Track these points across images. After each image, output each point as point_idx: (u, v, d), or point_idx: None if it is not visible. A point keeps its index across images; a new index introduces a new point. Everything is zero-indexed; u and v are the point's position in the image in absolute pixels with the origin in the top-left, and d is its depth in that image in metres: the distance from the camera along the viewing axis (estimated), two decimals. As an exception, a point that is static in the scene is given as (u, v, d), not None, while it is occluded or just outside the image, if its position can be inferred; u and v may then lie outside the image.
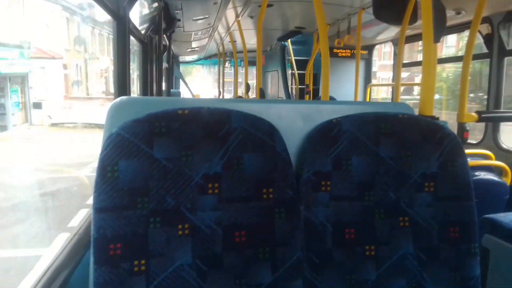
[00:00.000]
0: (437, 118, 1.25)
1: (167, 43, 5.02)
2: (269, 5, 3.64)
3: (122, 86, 1.73)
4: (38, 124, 17.31)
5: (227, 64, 9.62)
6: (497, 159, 2.60)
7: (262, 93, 4.04)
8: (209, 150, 0.96)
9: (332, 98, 5.34)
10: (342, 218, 1.05)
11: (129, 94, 1.80)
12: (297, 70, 6.37)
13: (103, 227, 0.89)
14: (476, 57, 3.50)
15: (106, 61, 26.51)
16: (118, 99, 1.03)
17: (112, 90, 26.46)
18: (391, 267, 1.06)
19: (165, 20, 3.59)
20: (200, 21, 4.42)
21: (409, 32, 3.89)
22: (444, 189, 1.09)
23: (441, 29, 1.25)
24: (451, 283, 1.07)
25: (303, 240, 1.02)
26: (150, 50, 3.15)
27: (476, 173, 2.36)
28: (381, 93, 9.27)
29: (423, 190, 1.09)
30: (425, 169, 1.09)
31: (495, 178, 2.34)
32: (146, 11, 3.12)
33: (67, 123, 17.31)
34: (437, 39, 1.25)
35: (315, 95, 6.05)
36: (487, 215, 1.78)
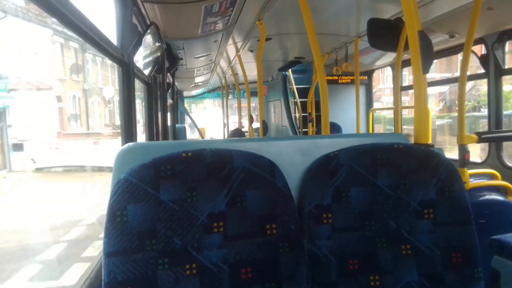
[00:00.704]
0: (432, 146, 1.29)
1: (171, 80, 5.16)
2: (267, 39, 3.76)
3: (128, 131, 1.80)
4: (20, 169, 14.84)
5: (230, 96, 9.78)
6: (502, 177, 2.60)
7: (265, 125, 4.11)
8: (212, 190, 1.00)
9: (334, 125, 5.40)
10: (345, 249, 1.08)
11: (136, 139, 1.86)
12: (299, 98, 6.47)
13: (113, 271, 0.92)
14: (473, 77, 3.55)
15: (110, 91, 24.31)
16: (126, 145, 1.08)
17: (117, 122, 24.21)
18: None
19: (168, 59, 3.72)
20: (202, 58, 4.56)
21: (406, 56, 3.98)
22: (443, 215, 1.12)
23: (429, 60, 1.31)
24: None
25: (308, 273, 1.04)
26: (154, 89, 3.26)
27: (482, 194, 2.37)
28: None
29: (423, 217, 1.11)
30: (423, 196, 1.12)
31: (502, 198, 2.33)
32: (148, 51, 3.25)
33: (55, 167, 15.07)
34: (426, 70, 1.30)
35: (318, 122, 6.12)
36: (495, 236, 1.77)
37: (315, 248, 1.06)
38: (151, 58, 2.95)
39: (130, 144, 1.09)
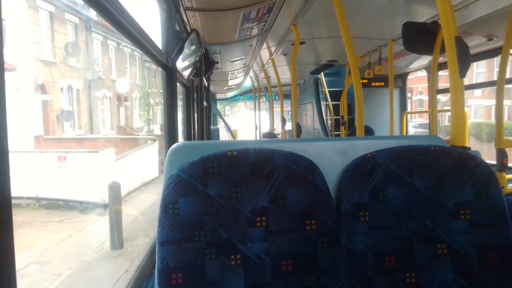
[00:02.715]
0: (469, 148, 1.31)
1: (206, 83, 5.31)
2: (301, 43, 3.82)
3: (172, 132, 1.92)
4: None
5: (262, 99, 9.88)
6: None
7: (299, 128, 4.16)
8: (256, 187, 1.08)
9: (368, 128, 5.37)
10: (382, 246, 1.12)
11: (177, 139, 1.97)
12: (331, 101, 6.47)
13: (166, 259, 1.01)
14: None
15: (125, 85, 19.86)
16: (175, 144, 1.18)
17: (135, 124, 21.34)
18: None
19: (205, 63, 3.85)
20: (236, 62, 4.67)
21: (442, 59, 3.93)
22: (479, 217, 1.14)
23: (466, 64, 1.33)
24: None
25: (346, 268, 1.10)
26: (192, 92, 3.39)
27: None
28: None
29: (459, 218, 1.14)
30: (459, 198, 1.15)
31: None
32: (187, 55, 3.38)
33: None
34: (462, 74, 1.33)
35: (351, 125, 6.10)
36: None
37: (352, 245, 1.12)
38: (189, 62, 3.08)
39: (179, 143, 1.18)
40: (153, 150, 15.44)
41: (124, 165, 12.42)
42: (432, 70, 3.19)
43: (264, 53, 4.75)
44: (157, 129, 22.23)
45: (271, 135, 7.29)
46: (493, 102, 2.80)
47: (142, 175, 13.63)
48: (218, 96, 11.34)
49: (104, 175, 10.59)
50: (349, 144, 1.24)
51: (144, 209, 10.95)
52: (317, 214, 1.09)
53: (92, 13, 16.22)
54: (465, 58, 1.32)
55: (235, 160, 1.08)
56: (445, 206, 1.15)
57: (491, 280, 1.11)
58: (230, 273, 1.03)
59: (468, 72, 1.36)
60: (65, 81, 15.54)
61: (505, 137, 2.31)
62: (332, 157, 1.22)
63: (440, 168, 1.16)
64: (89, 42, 17.44)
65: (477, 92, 18.41)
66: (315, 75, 6.64)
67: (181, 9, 2.30)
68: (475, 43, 3.43)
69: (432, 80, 3.22)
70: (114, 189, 8.28)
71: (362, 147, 1.23)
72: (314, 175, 1.11)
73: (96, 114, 17.82)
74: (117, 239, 7.89)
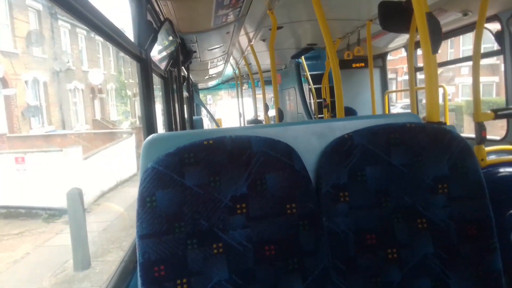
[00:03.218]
0: (444, 123, 1.32)
1: (186, 73, 5.24)
2: (279, 27, 3.79)
3: (150, 124, 1.89)
4: None
5: (244, 86, 9.82)
6: None
7: (281, 113, 4.15)
8: (234, 174, 1.07)
9: (350, 109, 5.40)
10: (362, 225, 1.13)
11: (156, 130, 1.95)
12: (314, 84, 6.47)
13: (147, 252, 1.00)
14: (488, 54, 3.51)
15: (98, 75, 18.43)
16: (150, 136, 1.16)
17: (113, 117, 20.48)
18: (414, 268, 1.13)
19: (182, 53, 3.79)
20: (215, 50, 4.62)
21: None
22: (457, 190, 1.16)
23: (438, 40, 1.34)
24: (474, 278, 1.12)
25: (328, 249, 1.11)
26: (170, 83, 3.34)
27: (502, 170, 2.37)
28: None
29: (438, 192, 1.16)
30: (436, 172, 1.16)
31: None
32: (162, 46, 3.33)
33: None
34: (435, 50, 1.33)
35: (334, 107, 6.12)
36: None
37: (333, 225, 1.12)
38: (166, 52, 3.03)
39: (155, 135, 1.17)
40: (130, 144, 14.33)
41: (96, 163, 11.34)
42: (409, 49, 3.20)
43: (243, 39, 4.70)
44: (138, 122, 21.67)
45: (255, 121, 7.27)
46: (482, 79, 2.82)
47: (117, 173, 12.58)
48: (200, 85, 11.23)
49: (69, 176, 9.60)
50: (326, 126, 1.24)
51: (119, 213, 9.84)
52: (297, 197, 1.09)
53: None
54: (437, 34, 1.33)
55: (212, 149, 1.07)
56: (423, 181, 1.16)
57: (470, 251, 1.13)
58: (213, 262, 1.03)
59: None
60: (30, 73, 14.20)
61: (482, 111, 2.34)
62: (310, 140, 1.21)
63: (417, 145, 1.17)
64: (55, 31, 16.04)
65: (464, 70, 18.48)
66: (296, 60, 6.62)
67: None
68: (450, 19, 3.44)
69: (410, 58, 3.23)
70: (74, 197, 6.69)
71: (339, 128, 1.23)
72: (292, 159, 1.11)
73: (67, 108, 16.51)
74: (82, 258, 6.51)
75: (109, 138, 14.07)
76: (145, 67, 1.95)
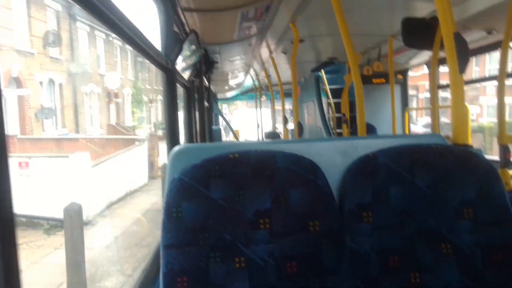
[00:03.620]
0: (471, 146, 1.30)
1: (207, 83, 5.31)
2: (300, 41, 3.81)
3: (173, 134, 1.92)
4: None
5: (263, 97, 9.86)
6: None
7: (300, 127, 4.15)
8: (258, 189, 1.07)
9: (370, 125, 5.36)
10: (385, 247, 1.11)
11: (179, 141, 1.97)
12: (333, 98, 6.45)
13: (171, 262, 1.01)
14: None
15: (115, 80, 18.13)
16: (177, 147, 1.17)
17: (127, 122, 19.67)
18: None
19: (204, 63, 3.85)
20: (236, 61, 4.67)
21: (443, 54, 3.92)
22: (483, 215, 1.13)
23: (465, 60, 1.32)
24: None
25: (350, 269, 1.09)
26: (192, 93, 3.39)
27: None
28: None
29: (463, 217, 1.13)
30: (462, 196, 1.14)
31: None
32: (186, 56, 3.39)
33: None
34: (462, 70, 1.32)
35: (353, 122, 6.08)
36: None
37: (356, 245, 1.11)
38: (189, 62, 3.08)
39: (181, 145, 1.18)
40: (142, 152, 13.80)
41: (105, 171, 10.67)
42: (432, 66, 3.18)
43: (264, 51, 4.74)
44: (153, 128, 21.38)
45: (273, 134, 7.27)
46: (508, 100, 2.78)
47: (127, 182, 11.94)
48: (219, 95, 11.33)
49: (75, 184, 8.96)
50: (350, 144, 1.24)
51: (124, 227, 8.96)
52: (320, 214, 1.08)
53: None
54: (464, 54, 1.32)
55: (237, 163, 1.08)
56: (448, 204, 1.14)
57: (496, 278, 1.10)
58: (235, 276, 1.03)
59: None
60: (45, 74, 13.66)
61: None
62: (334, 157, 1.21)
63: (442, 167, 1.15)
64: (74, 32, 15.54)
65: (490, 89, 18.00)
66: (316, 73, 6.62)
67: (179, 10, 2.30)
68: (474, 37, 3.41)
69: (432, 76, 3.21)
70: (72, 213, 5.68)
71: (363, 146, 1.22)
72: (316, 176, 1.10)
73: (82, 112, 16.12)
74: (77, 284, 5.52)
75: (121, 145, 13.49)
76: (171, 77, 1.98)
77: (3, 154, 0.57)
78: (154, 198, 11.36)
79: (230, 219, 1.04)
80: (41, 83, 13.73)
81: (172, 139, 1.92)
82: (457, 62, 1.32)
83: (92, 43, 17.34)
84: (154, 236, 7.74)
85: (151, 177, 14.15)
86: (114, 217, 9.93)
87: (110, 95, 18.95)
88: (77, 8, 14.21)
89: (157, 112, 25.37)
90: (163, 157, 15.06)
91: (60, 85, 14.92)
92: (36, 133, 13.19)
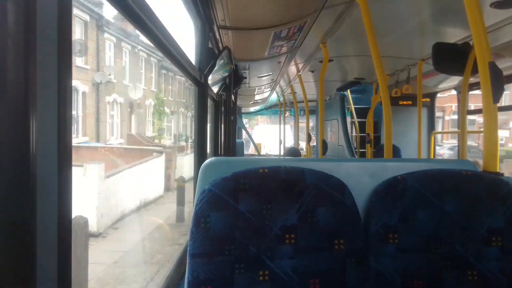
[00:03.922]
0: (502, 174, 1.30)
1: (234, 98, 5.40)
2: (329, 61, 3.86)
3: (202, 147, 1.98)
4: None
5: (287, 114, 9.91)
6: None
7: (325, 145, 4.15)
8: (286, 204, 1.10)
9: (394, 147, 5.31)
10: (410, 270, 1.12)
11: (207, 154, 2.03)
12: (357, 118, 6.44)
13: (197, 271, 1.04)
14: None
15: (138, 91, 18.50)
16: (208, 160, 1.22)
17: (148, 133, 19.80)
18: None
19: (234, 78, 3.94)
20: (264, 78, 4.75)
21: (473, 80, 3.88)
22: (511, 243, 1.13)
23: (499, 90, 1.33)
24: None
25: None
26: (220, 106, 3.47)
27: None
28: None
29: (491, 245, 1.13)
30: (491, 224, 1.14)
31: None
32: (217, 71, 3.48)
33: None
34: (496, 100, 1.33)
35: (377, 143, 6.04)
36: None
37: (380, 266, 1.12)
38: (220, 77, 3.16)
39: (212, 158, 1.23)
40: (159, 163, 13.83)
41: (120, 182, 10.72)
42: (462, 91, 3.15)
43: (292, 69, 4.80)
44: (173, 140, 21.44)
45: (294, 151, 7.28)
46: None
47: (142, 193, 12.02)
48: (243, 109, 11.45)
49: (87, 195, 9.03)
50: (378, 166, 1.26)
51: (135, 242, 8.68)
52: (345, 233, 1.10)
53: (106, 13, 14.98)
54: (499, 84, 1.32)
55: (266, 177, 1.11)
56: (477, 232, 1.14)
57: None
58: None
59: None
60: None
61: None
62: (361, 178, 1.23)
63: (472, 193, 1.16)
64: (100, 43, 16.06)
65: None
66: (342, 92, 6.64)
67: (215, 27, 2.38)
68: (507, 65, 3.37)
69: (462, 102, 3.18)
70: (77, 228, 5.50)
71: (391, 169, 1.24)
72: (343, 195, 1.13)
73: (104, 121, 16.47)
74: None
75: (139, 155, 13.70)
76: (203, 91, 2.05)
77: (67, 162, 0.62)
78: (168, 212, 11.34)
79: (257, 232, 1.08)
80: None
81: (200, 152, 1.98)
82: (492, 92, 1.33)
83: (118, 54, 17.79)
84: (164, 252, 7.79)
85: (167, 189, 14.16)
86: (126, 230, 9.85)
87: (132, 105, 19.28)
88: (105, 20, 15.28)
89: (178, 124, 25.68)
90: (180, 169, 15.18)
91: (84, 93, 15.36)
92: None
